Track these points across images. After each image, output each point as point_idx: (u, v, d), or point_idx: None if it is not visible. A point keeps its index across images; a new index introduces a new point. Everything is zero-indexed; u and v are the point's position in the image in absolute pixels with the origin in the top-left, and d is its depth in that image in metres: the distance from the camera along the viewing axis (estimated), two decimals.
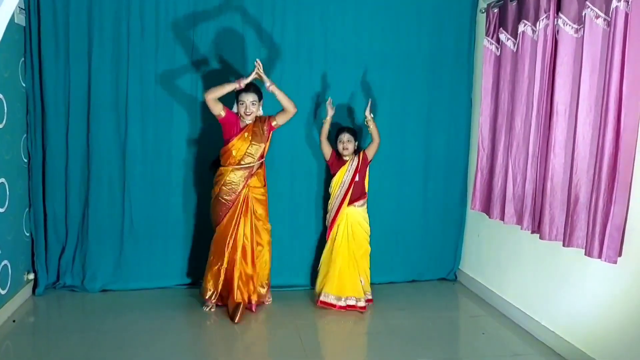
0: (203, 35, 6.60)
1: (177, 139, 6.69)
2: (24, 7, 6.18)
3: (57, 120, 6.45)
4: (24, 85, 6.28)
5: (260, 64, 5.84)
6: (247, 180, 6.02)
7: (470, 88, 7.27)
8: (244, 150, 5.97)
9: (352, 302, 6.34)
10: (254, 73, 5.82)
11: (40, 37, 6.29)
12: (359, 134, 6.62)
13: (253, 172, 6.04)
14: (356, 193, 6.43)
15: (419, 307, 6.57)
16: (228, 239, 6.04)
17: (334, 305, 6.33)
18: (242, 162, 5.99)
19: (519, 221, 5.81)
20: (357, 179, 6.43)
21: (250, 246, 6.12)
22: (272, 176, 6.59)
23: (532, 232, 5.60)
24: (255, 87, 6.02)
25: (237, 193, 6.00)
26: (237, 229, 6.05)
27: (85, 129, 6.49)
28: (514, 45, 5.93)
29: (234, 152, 5.95)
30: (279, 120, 6.08)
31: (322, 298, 6.38)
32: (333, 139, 6.55)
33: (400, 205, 7.25)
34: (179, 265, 6.83)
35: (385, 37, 6.98)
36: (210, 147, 6.60)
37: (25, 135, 6.34)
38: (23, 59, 6.27)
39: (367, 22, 6.90)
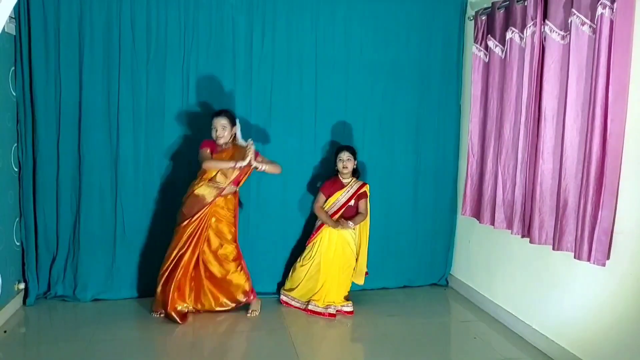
0: (194, 45, 6.64)
1: (168, 147, 6.72)
2: (14, 16, 6.20)
3: (47, 129, 6.45)
4: (14, 94, 6.29)
5: (252, 146, 6.03)
6: (214, 199, 6.16)
7: (459, 95, 7.36)
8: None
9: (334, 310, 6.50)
10: (248, 156, 5.98)
11: (31, 46, 6.31)
12: (358, 152, 6.75)
13: (222, 193, 6.19)
14: (348, 214, 6.61)
15: (411, 313, 6.62)
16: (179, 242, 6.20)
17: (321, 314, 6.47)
18: (214, 180, 6.16)
19: (509, 226, 5.91)
20: (351, 203, 6.60)
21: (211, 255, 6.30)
22: (264, 184, 6.78)
23: (522, 236, 5.70)
24: (227, 112, 6.25)
25: (200, 208, 6.16)
26: (193, 240, 6.21)
27: (76, 138, 6.51)
28: (502, 52, 6.05)
29: (213, 173, 6.17)
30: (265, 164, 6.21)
31: (310, 307, 6.54)
32: (333, 158, 6.72)
33: (391, 212, 7.31)
34: None
35: (375, 45, 7.07)
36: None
37: (15, 144, 6.35)
38: (13, 67, 6.28)
39: (356, 31, 6.99)
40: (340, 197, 6.59)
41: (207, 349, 5.62)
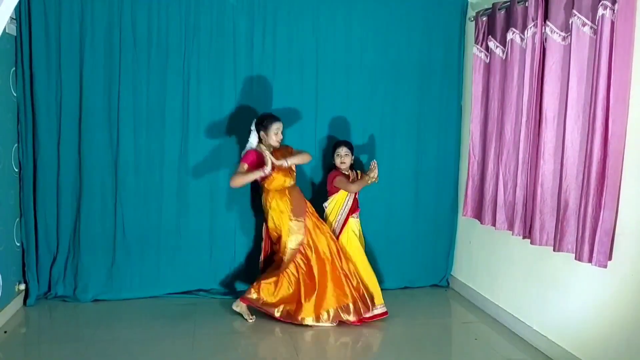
0: (195, 46, 6.67)
1: (169, 148, 6.74)
2: (14, 17, 6.23)
3: (48, 129, 6.49)
4: (14, 94, 6.33)
5: (265, 150, 6.06)
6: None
7: (460, 96, 7.37)
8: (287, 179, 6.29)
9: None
10: (268, 163, 6.00)
11: (32, 46, 6.34)
12: (355, 148, 6.76)
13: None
14: (355, 205, 6.61)
15: (412, 314, 6.62)
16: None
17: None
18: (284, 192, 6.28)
19: (510, 227, 5.91)
20: (357, 195, 6.62)
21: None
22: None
23: (523, 237, 5.70)
24: (279, 118, 6.27)
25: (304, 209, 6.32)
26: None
27: (76, 139, 6.54)
28: (503, 53, 6.06)
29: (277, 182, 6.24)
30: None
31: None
32: (325, 165, 6.80)
33: (392, 213, 7.32)
34: (171, 275, 6.87)
35: (376, 46, 7.09)
36: (202, 156, 6.75)
37: (16, 145, 6.39)
38: (14, 68, 6.32)
39: (357, 33, 7.01)
40: (349, 194, 6.58)
41: (207, 350, 5.64)
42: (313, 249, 6.19)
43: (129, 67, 6.57)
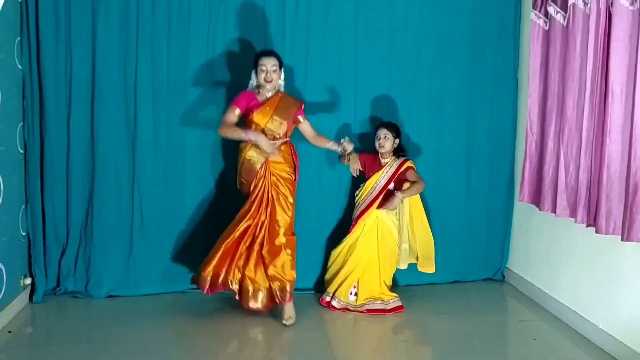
0: (221, 10, 6.79)
1: (192, 127, 6.87)
2: None
3: (57, 107, 6.62)
4: (20, 67, 6.47)
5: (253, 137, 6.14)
6: (266, 158, 6.24)
7: (516, 67, 7.50)
8: (263, 124, 6.22)
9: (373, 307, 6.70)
10: (261, 139, 6.10)
11: (38, 13, 6.44)
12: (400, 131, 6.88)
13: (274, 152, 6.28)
14: (388, 197, 6.72)
15: (462, 312, 6.78)
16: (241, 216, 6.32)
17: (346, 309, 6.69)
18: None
19: (573, 214, 5.98)
20: (390, 187, 6.75)
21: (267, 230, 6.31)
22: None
23: (587, 225, 5.75)
24: (275, 53, 6.29)
25: (255, 171, 6.24)
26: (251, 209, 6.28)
27: (89, 117, 6.68)
28: (564, 19, 6.15)
29: (253, 127, 6.21)
30: (305, 128, 6.49)
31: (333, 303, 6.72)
32: (363, 144, 6.93)
33: (440, 198, 7.41)
34: (195, 268, 6.79)
35: (422, 11, 7.19)
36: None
37: (21, 123, 6.52)
38: (19, 38, 6.45)
39: None
40: (379, 180, 6.74)
41: (232, 351, 5.85)
42: None
43: (147, 38, 6.71)
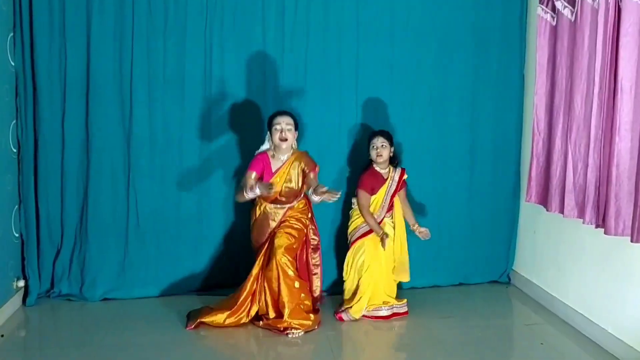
0: (218, 8, 6.76)
1: (189, 124, 6.85)
2: None
3: (51, 104, 6.61)
4: (13, 63, 6.46)
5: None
6: (283, 216, 6.34)
7: (522, 63, 7.45)
8: (278, 189, 6.30)
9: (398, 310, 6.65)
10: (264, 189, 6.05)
11: (32, 8, 6.43)
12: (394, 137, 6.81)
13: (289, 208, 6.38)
14: (392, 204, 6.71)
15: (467, 315, 6.73)
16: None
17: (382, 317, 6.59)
18: (277, 201, 6.32)
19: (581, 214, 5.92)
20: (395, 195, 6.70)
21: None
22: None
23: (596, 226, 5.71)
24: (290, 113, 6.31)
25: (268, 229, 6.33)
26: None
27: (83, 114, 6.67)
28: (572, 14, 6.09)
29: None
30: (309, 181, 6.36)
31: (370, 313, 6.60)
32: (365, 145, 6.77)
33: (444, 199, 7.39)
34: (192, 270, 6.97)
35: (424, 7, 7.16)
36: (227, 133, 6.86)
37: (14, 121, 6.51)
38: (12, 33, 6.44)
39: None
40: (387, 193, 6.66)
41: (231, 356, 5.82)
42: None
43: (142, 33, 6.69)
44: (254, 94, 6.91)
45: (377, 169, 6.68)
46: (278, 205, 6.29)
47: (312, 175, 6.30)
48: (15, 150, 6.53)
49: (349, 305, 6.53)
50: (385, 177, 6.68)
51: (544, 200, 6.63)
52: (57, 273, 6.85)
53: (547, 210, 6.49)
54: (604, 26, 5.50)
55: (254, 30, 6.87)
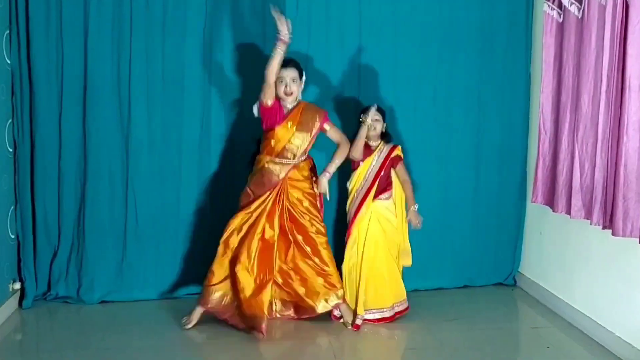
0: (217, 5, 6.74)
1: (189, 124, 6.82)
2: None
3: (48, 103, 6.57)
4: (8, 62, 6.42)
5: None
6: (286, 173, 6.15)
7: (528, 61, 7.41)
8: (286, 140, 6.13)
9: (399, 309, 6.57)
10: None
11: (28, 5, 6.40)
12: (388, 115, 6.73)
13: (294, 166, 6.21)
14: (381, 185, 6.54)
15: (472, 318, 6.68)
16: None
17: (381, 320, 6.50)
18: (282, 156, 6.15)
19: (588, 215, 5.88)
20: (382, 174, 6.55)
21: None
22: None
23: (603, 227, 5.67)
24: (295, 62, 6.21)
25: (269, 185, 6.12)
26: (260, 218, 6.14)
27: (81, 113, 6.64)
28: (579, 11, 6.06)
29: (272, 143, 6.10)
30: (333, 135, 6.36)
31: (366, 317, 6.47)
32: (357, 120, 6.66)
33: (448, 199, 7.36)
34: (191, 272, 6.91)
35: (428, 4, 7.11)
36: (228, 133, 6.84)
37: (10, 120, 6.48)
38: (8, 31, 6.41)
39: None
40: (372, 165, 6.53)
41: (230, 359, 5.79)
42: None
43: (141, 31, 6.65)
44: (254, 92, 6.70)
45: (367, 142, 6.56)
46: (283, 160, 6.13)
47: (326, 126, 6.30)
48: (11, 150, 6.51)
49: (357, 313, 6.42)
50: (373, 149, 6.57)
51: (550, 200, 6.59)
52: (54, 275, 6.81)
53: (554, 211, 6.45)
54: (611, 23, 5.46)
55: (254, 29, 6.86)
